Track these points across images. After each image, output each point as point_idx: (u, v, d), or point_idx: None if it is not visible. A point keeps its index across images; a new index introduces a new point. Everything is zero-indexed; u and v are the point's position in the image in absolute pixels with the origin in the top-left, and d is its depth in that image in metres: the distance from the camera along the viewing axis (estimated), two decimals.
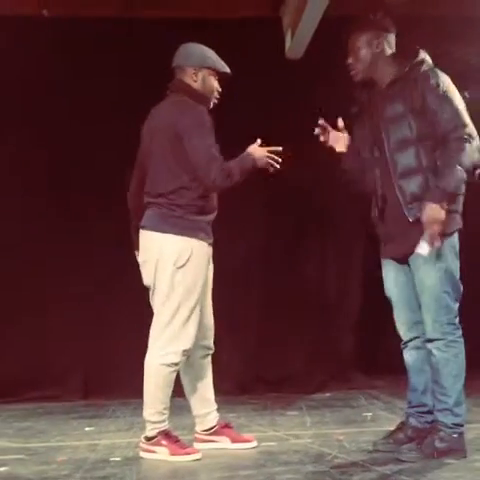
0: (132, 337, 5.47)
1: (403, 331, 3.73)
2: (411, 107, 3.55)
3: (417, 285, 3.59)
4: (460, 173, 3.44)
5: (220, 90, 3.92)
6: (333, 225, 6.09)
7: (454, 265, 3.58)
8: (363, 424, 4.50)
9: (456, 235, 3.60)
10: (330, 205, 5.87)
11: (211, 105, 3.90)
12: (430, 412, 3.67)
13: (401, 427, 3.75)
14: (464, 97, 3.66)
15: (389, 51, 3.70)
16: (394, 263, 3.71)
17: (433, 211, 3.42)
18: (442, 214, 3.41)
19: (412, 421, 3.73)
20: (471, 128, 3.49)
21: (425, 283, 3.55)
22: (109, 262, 5.73)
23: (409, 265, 3.62)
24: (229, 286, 5.63)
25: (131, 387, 5.46)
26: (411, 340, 3.70)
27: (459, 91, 3.63)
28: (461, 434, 3.53)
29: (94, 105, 5.76)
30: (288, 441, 4.04)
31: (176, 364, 3.70)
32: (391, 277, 3.74)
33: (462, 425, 3.54)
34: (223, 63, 3.91)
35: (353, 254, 6.16)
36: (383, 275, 3.78)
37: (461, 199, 3.61)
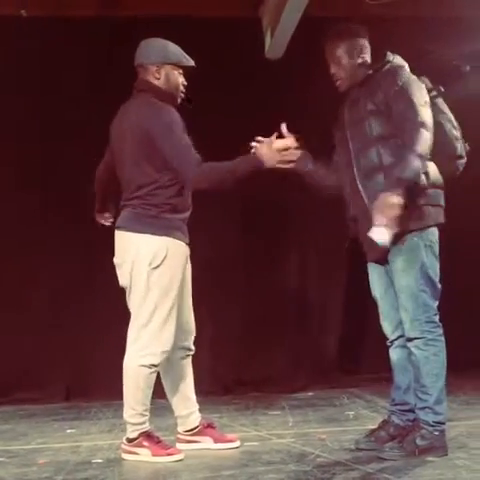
0: (114, 338, 5.43)
1: (388, 330, 3.75)
2: (372, 108, 3.58)
3: (395, 284, 3.61)
4: (415, 162, 3.42)
5: (186, 84, 3.84)
6: (315, 226, 6.10)
7: (430, 262, 3.56)
8: (345, 423, 4.50)
9: (432, 230, 3.59)
10: (311, 207, 5.87)
11: (178, 101, 3.83)
12: (412, 410, 3.69)
13: (383, 425, 3.77)
14: (439, 91, 3.68)
15: (368, 58, 3.73)
16: (376, 265, 3.73)
17: (386, 197, 3.38)
18: (395, 200, 3.36)
19: (394, 419, 3.74)
20: (425, 119, 3.47)
21: (402, 282, 3.56)
22: (91, 263, 5.70)
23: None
24: (211, 287, 5.64)
25: (113, 389, 5.42)
26: (396, 339, 3.71)
27: (434, 86, 3.65)
28: (442, 432, 3.54)
29: (72, 105, 5.73)
30: (270, 441, 4.04)
31: (155, 365, 3.68)
32: (375, 278, 3.76)
33: (443, 423, 3.55)
34: (186, 56, 3.82)
35: (335, 255, 6.17)
36: (369, 276, 3.80)
37: (439, 193, 3.61)
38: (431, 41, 5.08)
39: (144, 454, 3.68)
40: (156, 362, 3.67)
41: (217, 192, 3.76)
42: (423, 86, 3.61)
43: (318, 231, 6.14)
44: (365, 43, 3.74)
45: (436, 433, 3.51)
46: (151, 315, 3.65)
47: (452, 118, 3.72)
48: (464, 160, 3.74)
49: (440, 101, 3.72)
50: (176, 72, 3.80)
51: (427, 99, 3.57)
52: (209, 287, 5.63)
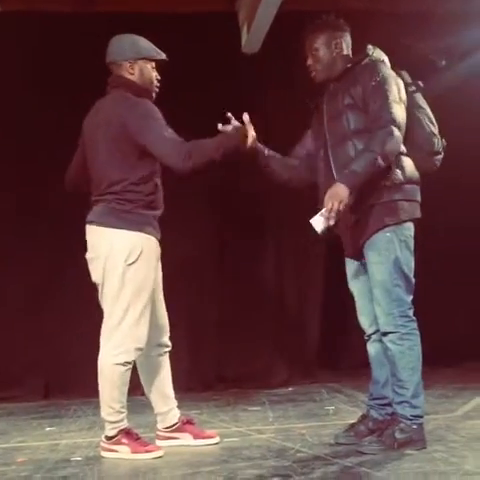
0: (92, 336, 5.40)
1: (366, 324, 3.76)
2: (349, 103, 3.59)
3: (370, 279, 3.62)
4: (368, 157, 3.45)
5: (159, 78, 3.83)
6: (292, 222, 6.10)
7: (404, 256, 3.57)
8: (325, 418, 4.51)
9: (407, 225, 3.60)
10: (288, 200, 5.88)
11: (153, 96, 3.82)
12: (390, 404, 3.70)
13: (362, 420, 3.78)
14: (418, 86, 3.69)
15: (346, 51, 3.73)
16: (353, 260, 3.74)
17: (336, 188, 3.43)
18: (345, 193, 3.41)
19: (373, 413, 3.76)
20: (396, 116, 3.49)
21: (376, 277, 3.57)
22: (67, 258, 5.66)
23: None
24: (190, 283, 5.63)
25: (92, 386, 5.38)
26: (374, 333, 3.72)
27: (413, 81, 3.66)
28: (421, 425, 3.56)
29: (49, 100, 5.69)
30: (250, 436, 4.04)
31: (129, 363, 3.66)
32: (352, 273, 3.77)
33: (421, 416, 3.57)
34: (158, 50, 3.81)
35: (312, 250, 6.18)
36: (346, 271, 3.81)
37: (415, 188, 3.62)
38: (407, 36, 5.10)
39: (123, 451, 3.67)
40: (130, 359, 3.65)
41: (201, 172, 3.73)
42: (400, 82, 3.62)
43: (295, 227, 6.14)
44: (345, 37, 3.73)
45: (414, 426, 3.53)
46: (124, 312, 3.63)
47: (430, 113, 3.73)
48: (441, 156, 3.76)
49: (418, 96, 3.73)
50: (149, 66, 3.79)
51: (403, 96, 3.59)
52: (187, 283, 5.63)
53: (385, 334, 3.57)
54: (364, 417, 3.79)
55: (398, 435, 3.50)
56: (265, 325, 6.05)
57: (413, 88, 3.70)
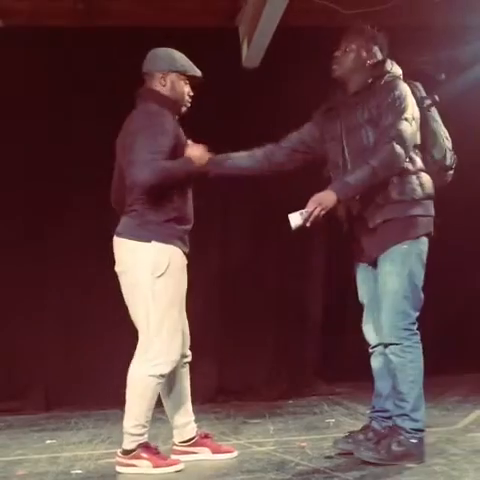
0: (93, 349, 5.46)
1: (371, 336, 3.77)
2: (368, 117, 3.62)
3: (379, 287, 3.63)
4: (366, 170, 3.48)
5: (192, 94, 3.85)
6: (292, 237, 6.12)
7: (417, 271, 3.61)
8: (326, 430, 4.51)
9: (423, 240, 3.64)
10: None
11: (182, 110, 3.83)
12: (392, 417, 3.72)
13: (363, 429, 3.80)
14: (433, 100, 3.73)
15: (371, 63, 3.74)
16: (364, 269, 3.75)
17: (324, 194, 3.47)
18: (331, 201, 3.46)
19: (374, 424, 3.78)
20: (401, 134, 3.51)
21: (387, 287, 3.59)
22: (71, 274, 5.68)
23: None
24: (190, 296, 5.64)
25: (93, 398, 5.47)
26: (378, 345, 3.74)
27: (428, 95, 3.71)
28: (420, 439, 3.55)
29: (49, 115, 5.72)
30: (251, 449, 4.04)
31: (164, 376, 3.62)
32: (363, 283, 3.79)
33: (422, 430, 3.57)
34: (194, 67, 3.83)
35: (313, 263, 6.19)
36: (357, 282, 3.82)
37: (431, 203, 3.66)
38: (406, 50, 5.10)
39: (144, 466, 3.59)
40: (166, 372, 3.62)
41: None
42: (414, 102, 3.64)
43: (297, 238, 6.15)
44: (377, 53, 3.75)
45: (413, 441, 3.52)
46: (160, 324, 3.59)
47: (444, 129, 3.77)
48: (452, 171, 3.79)
49: (434, 110, 3.76)
50: (182, 81, 3.80)
51: (416, 114, 3.62)
52: (189, 295, 5.64)
53: (387, 345, 3.59)
54: (366, 427, 3.80)
55: (395, 447, 3.49)
56: (266, 338, 6.05)
57: (428, 102, 3.73)
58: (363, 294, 3.80)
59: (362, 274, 3.79)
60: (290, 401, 5.73)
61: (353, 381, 5.79)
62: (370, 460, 3.47)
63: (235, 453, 3.87)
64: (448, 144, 3.76)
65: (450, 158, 3.75)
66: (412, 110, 3.60)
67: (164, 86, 3.77)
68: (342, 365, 6.13)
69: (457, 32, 5.82)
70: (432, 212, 3.68)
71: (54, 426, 5.09)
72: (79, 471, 3.69)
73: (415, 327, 3.60)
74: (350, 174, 3.52)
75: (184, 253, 3.75)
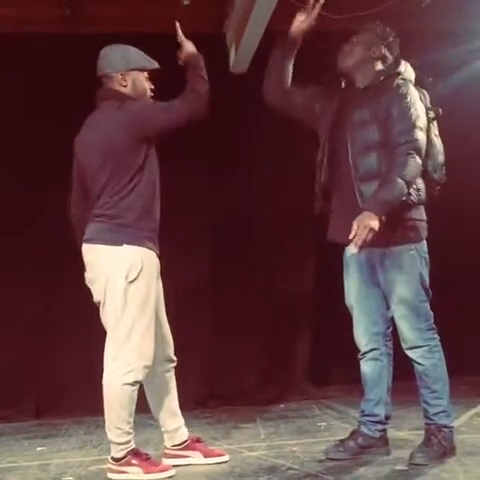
0: (83, 355, 5.45)
1: (363, 342, 3.79)
2: (376, 115, 3.65)
3: (393, 295, 3.64)
4: (400, 186, 3.52)
5: (153, 88, 3.82)
6: (283, 238, 6.14)
7: (425, 273, 3.68)
8: (317, 434, 4.51)
9: (424, 243, 3.71)
10: (277, 222, 5.92)
11: None
12: (381, 422, 3.78)
13: (352, 435, 3.81)
14: (436, 113, 3.76)
15: (379, 60, 3.77)
16: (358, 275, 3.76)
17: (367, 218, 3.46)
18: (375, 222, 3.45)
19: (364, 429, 3.78)
20: (419, 145, 3.57)
21: (403, 295, 3.63)
22: (58, 280, 5.68)
23: (376, 275, 3.68)
24: (178, 300, 5.63)
25: (83, 405, 5.45)
26: (369, 351, 3.76)
27: (432, 106, 3.75)
28: (453, 432, 3.68)
29: (34, 121, 5.71)
30: (242, 454, 4.04)
31: (138, 382, 3.59)
32: (354, 288, 3.79)
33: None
34: (150, 59, 3.78)
35: (304, 267, 6.21)
36: (345, 285, 3.83)
37: (423, 209, 3.71)
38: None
39: (135, 472, 3.58)
40: (139, 378, 3.59)
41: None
42: (424, 109, 3.67)
43: (288, 241, 6.17)
44: (386, 52, 3.78)
45: (452, 433, 3.64)
46: (130, 331, 3.56)
47: (441, 143, 3.80)
48: (439, 186, 3.82)
49: (435, 123, 3.79)
50: (142, 77, 3.76)
51: (425, 122, 3.65)
52: (177, 300, 5.64)
53: (412, 348, 3.63)
54: (354, 433, 3.81)
55: (445, 443, 3.59)
56: (256, 342, 6.06)
57: (432, 115, 3.75)
58: (353, 300, 3.79)
59: (355, 280, 3.77)
60: (281, 405, 5.73)
61: (344, 385, 5.80)
62: (427, 462, 3.50)
63: (227, 457, 3.87)
64: (442, 159, 3.78)
65: (441, 173, 3.78)
66: (423, 118, 3.63)
67: (125, 87, 3.73)
68: (333, 369, 6.15)
69: (444, 36, 5.86)
70: (425, 217, 3.74)
71: (45, 433, 5.08)
72: (70, 478, 3.69)
73: (434, 325, 3.67)
74: (383, 190, 3.52)
75: (156, 255, 3.73)
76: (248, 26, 5.14)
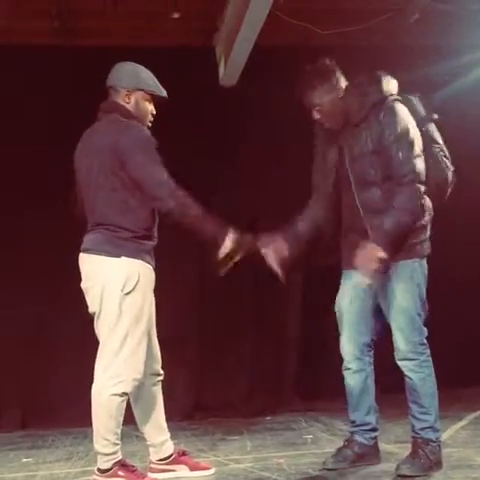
0: (70, 365, 5.44)
1: (350, 355, 3.80)
2: (373, 146, 3.63)
3: (392, 305, 3.66)
4: (405, 218, 3.56)
5: (154, 113, 3.81)
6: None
7: (423, 287, 3.71)
8: (303, 446, 4.51)
9: (425, 260, 3.72)
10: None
11: (145, 129, 3.77)
12: (374, 429, 3.81)
13: (348, 444, 3.82)
14: (432, 119, 3.77)
15: (343, 89, 3.70)
16: (352, 287, 3.77)
17: (371, 250, 3.51)
18: (380, 254, 3.49)
19: (357, 438, 3.81)
20: (419, 171, 3.58)
21: (402, 304, 3.64)
22: (45, 291, 5.67)
23: (370, 289, 3.70)
24: (167, 312, 5.63)
25: (70, 416, 5.43)
26: (353, 361, 3.78)
27: (427, 113, 3.75)
28: (440, 446, 3.68)
29: (30, 134, 5.72)
30: (228, 466, 4.03)
31: (126, 394, 3.58)
32: (347, 299, 3.81)
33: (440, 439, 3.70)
34: (159, 86, 3.79)
35: (292, 280, 6.21)
36: (340, 290, 3.85)
37: (428, 227, 3.72)
38: (381, 69, 5.19)
39: None
40: (128, 390, 3.57)
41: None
42: (416, 128, 3.64)
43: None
44: (339, 76, 3.71)
45: (438, 448, 3.65)
46: (122, 342, 3.55)
47: (444, 147, 3.80)
48: (450, 188, 3.83)
49: (433, 129, 3.79)
50: (147, 100, 3.77)
51: (421, 144, 3.63)
52: (166, 312, 5.64)
53: (402, 360, 3.64)
54: (349, 441, 3.83)
55: (432, 457, 3.60)
56: (243, 354, 6.06)
57: (427, 125, 3.74)
58: (344, 310, 3.80)
59: (349, 291, 3.79)
60: (268, 417, 5.73)
61: (331, 397, 5.80)
62: (413, 474, 3.52)
63: (212, 470, 3.87)
64: (448, 163, 3.78)
65: (451, 176, 3.78)
66: (418, 141, 3.62)
67: (128, 103, 3.73)
68: (320, 381, 6.15)
69: (431, 52, 5.92)
70: (428, 233, 3.75)
71: (30, 444, 5.05)
72: None
73: (426, 341, 3.69)
74: (387, 223, 3.54)
75: (153, 269, 3.73)
76: (237, 40, 5.19)
